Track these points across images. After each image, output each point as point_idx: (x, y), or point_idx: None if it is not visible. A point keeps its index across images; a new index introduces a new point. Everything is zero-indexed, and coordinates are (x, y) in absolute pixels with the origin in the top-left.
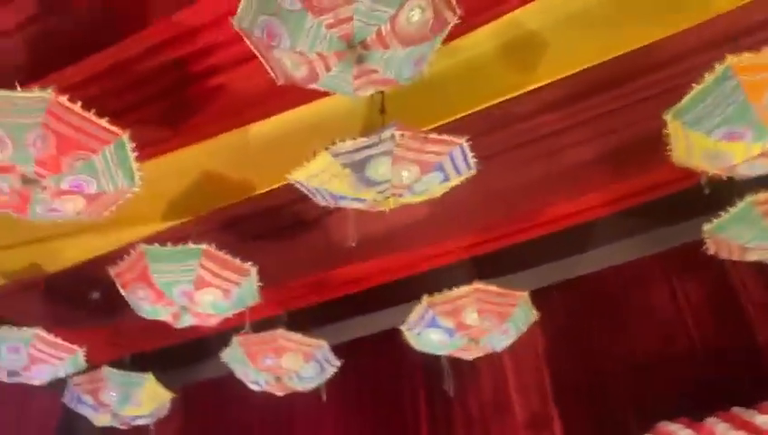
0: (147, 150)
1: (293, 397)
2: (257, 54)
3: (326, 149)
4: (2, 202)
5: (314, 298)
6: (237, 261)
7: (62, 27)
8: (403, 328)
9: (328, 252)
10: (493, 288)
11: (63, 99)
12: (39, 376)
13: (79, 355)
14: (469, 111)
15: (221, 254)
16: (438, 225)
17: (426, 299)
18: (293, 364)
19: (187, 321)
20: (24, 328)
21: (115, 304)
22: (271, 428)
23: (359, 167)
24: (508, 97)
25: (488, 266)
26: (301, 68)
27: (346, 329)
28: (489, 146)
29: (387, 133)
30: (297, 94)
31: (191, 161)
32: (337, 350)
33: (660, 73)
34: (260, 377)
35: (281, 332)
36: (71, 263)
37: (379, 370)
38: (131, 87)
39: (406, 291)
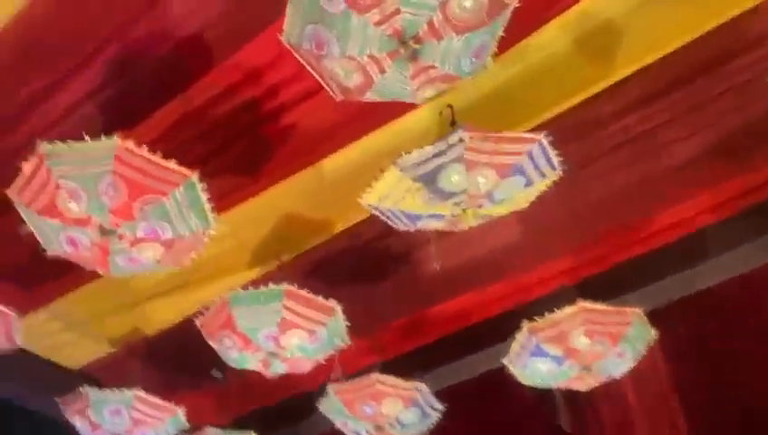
0: (226, 200)
1: None
2: (309, 69)
3: (393, 163)
4: (84, 258)
5: (410, 343)
6: (321, 299)
7: (129, 87)
8: (506, 361)
9: (420, 290)
10: (601, 307)
11: (129, 143)
12: None
13: (179, 415)
14: (548, 118)
15: (304, 293)
16: (534, 250)
17: (526, 325)
18: (394, 410)
19: (277, 368)
20: (124, 390)
21: (216, 365)
22: None
23: (430, 179)
24: (589, 96)
25: (594, 290)
26: (353, 75)
27: (446, 374)
28: (576, 154)
29: (455, 137)
30: (366, 122)
31: (269, 206)
32: (439, 396)
33: (764, 47)
34: (360, 426)
35: (376, 375)
36: (168, 324)
37: (488, 412)
38: (203, 138)
39: (507, 327)
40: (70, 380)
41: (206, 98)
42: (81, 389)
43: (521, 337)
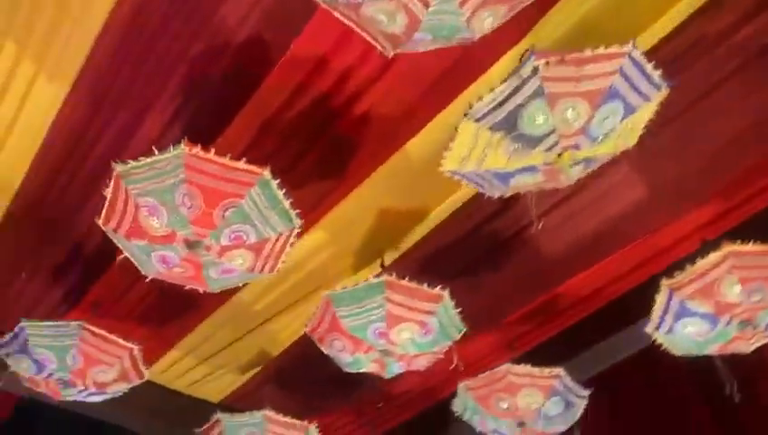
0: (319, 208)
1: None
2: (352, 26)
3: (465, 115)
4: (178, 276)
5: (542, 333)
6: (425, 287)
7: (203, 107)
8: (649, 330)
9: (540, 273)
10: (753, 247)
11: (196, 149)
12: None
13: (310, 431)
14: (645, 48)
15: (405, 282)
16: (661, 207)
17: (665, 283)
18: (533, 403)
19: (394, 368)
20: (254, 412)
21: (349, 380)
22: None
23: (510, 124)
24: (691, 13)
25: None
26: (397, 17)
27: (587, 362)
28: (689, 85)
29: (527, 68)
30: (446, 91)
31: (362, 204)
32: (584, 386)
33: None
34: (501, 425)
35: (507, 366)
36: (288, 343)
37: (641, 396)
38: (282, 147)
39: (647, 299)
40: (212, 414)
41: (278, 103)
42: (214, 416)
43: (661, 298)
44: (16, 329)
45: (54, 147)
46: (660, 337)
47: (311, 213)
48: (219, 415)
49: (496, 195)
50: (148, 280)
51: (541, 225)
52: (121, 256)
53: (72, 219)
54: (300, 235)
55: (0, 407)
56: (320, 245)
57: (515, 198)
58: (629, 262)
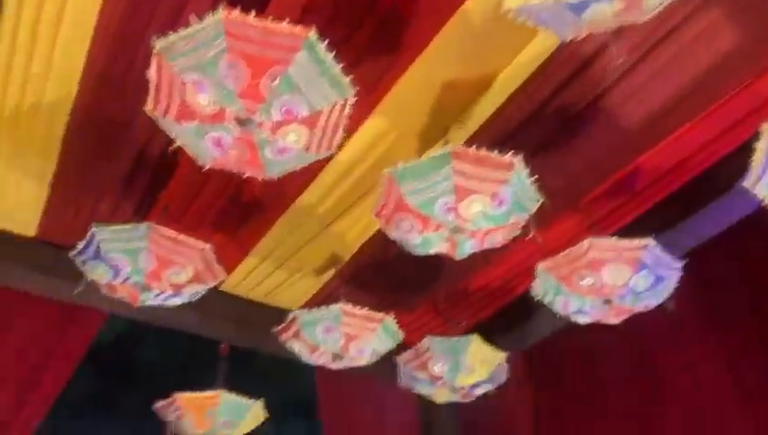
0: (378, 90)
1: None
2: None
3: None
4: (233, 160)
5: (626, 211)
6: (494, 155)
7: None
8: (748, 184)
9: (618, 144)
10: None
11: (236, 13)
12: (359, 354)
13: (387, 322)
14: None
15: (472, 151)
16: (759, 51)
17: (766, 126)
18: (620, 278)
19: (466, 247)
20: (330, 306)
21: (426, 277)
22: (630, 367)
23: None
24: None
25: None
26: None
27: (681, 236)
28: None
29: None
30: None
31: (422, 79)
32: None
33: None
34: (585, 303)
35: (590, 240)
36: (359, 242)
37: (744, 265)
38: (327, 30)
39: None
40: None
41: None
42: (290, 313)
43: (762, 144)
44: (88, 235)
45: (101, 53)
46: (764, 190)
47: (368, 97)
48: (295, 312)
49: (569, 36)
50: (206, 169)
51: (621, 60)
52: (174, 146)
53: (132, 125)
54: (359, 122)
55: (87, 324)
56: (381, 131)
57: (587, 62)
58: (721, 122)
